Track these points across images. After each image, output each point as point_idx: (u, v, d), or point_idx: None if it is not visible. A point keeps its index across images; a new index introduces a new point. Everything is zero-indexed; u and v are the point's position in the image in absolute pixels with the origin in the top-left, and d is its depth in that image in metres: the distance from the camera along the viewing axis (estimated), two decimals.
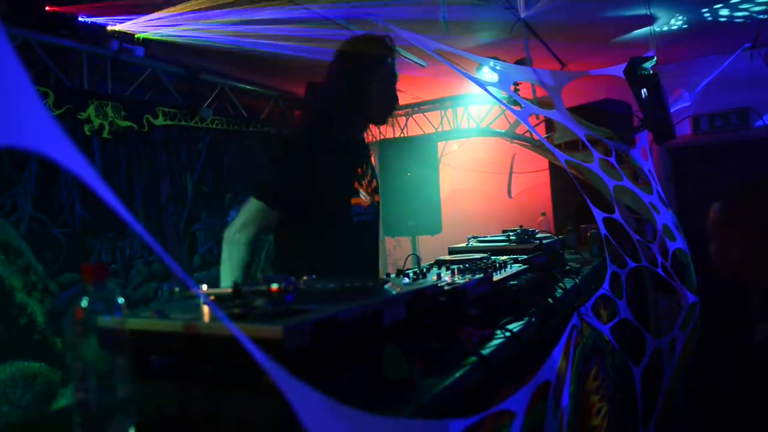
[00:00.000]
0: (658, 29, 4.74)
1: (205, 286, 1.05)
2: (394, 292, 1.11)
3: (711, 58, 5.32)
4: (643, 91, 2.82)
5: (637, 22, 4.57)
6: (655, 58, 2.81)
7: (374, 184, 2.34)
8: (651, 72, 2.82)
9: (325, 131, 2.16)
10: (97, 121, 3.78)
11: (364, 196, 2.22)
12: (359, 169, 2.25)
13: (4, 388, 3.14)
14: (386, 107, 2.24)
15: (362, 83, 2.13)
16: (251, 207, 2.05)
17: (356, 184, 2.20)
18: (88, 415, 0.81)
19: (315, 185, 2.06)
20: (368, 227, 2.26)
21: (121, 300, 0.84)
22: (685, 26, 4.73)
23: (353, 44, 2.25)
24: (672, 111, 3.26)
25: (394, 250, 7.09)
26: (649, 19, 4.46)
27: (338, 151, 2.16)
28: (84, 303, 0.81)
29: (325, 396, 0.69)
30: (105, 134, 3.83)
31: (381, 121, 2.32)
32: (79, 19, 3.64)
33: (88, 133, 3.73)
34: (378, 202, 2.35)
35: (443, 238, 5.44)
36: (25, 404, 3.19)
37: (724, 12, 4.44)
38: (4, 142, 0.50)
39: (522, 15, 2.73)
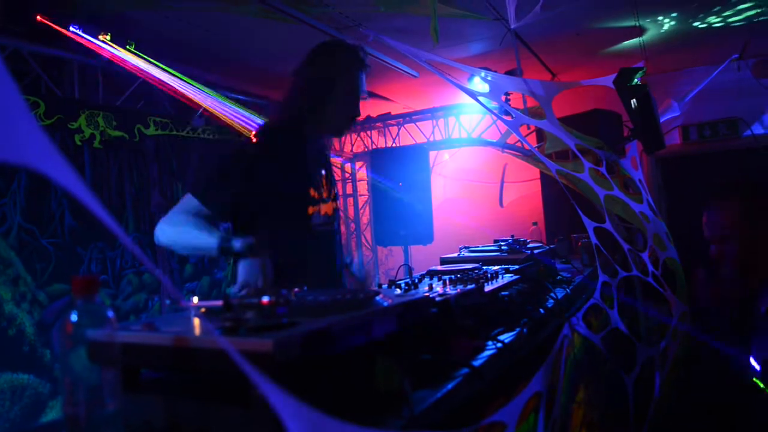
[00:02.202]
0: (647, 40, 4.79)
1: (195, 299, 1.05)
2: (385, 304, 1.10)
3: (699, 69, 5.38)
4: (633, 101, 2.83)
5: (627, 34, 4.62)
6: (645, 69, 2.83)
7: (333, 192, 2.23)
8: (640, 82, 2.85)
9: (278, 138, 2.07)
10: (88, 131, 3.76)
11: (322, 205, 2.10)
12: (316, 178, 2.12)
13: None
14: (342, 121, 2.11)
15: (319, 94, 2.03)
16: (188, 201, 1.90)
17: (313, 192, 2.08)
18: (77, 430, 0.80)
19: (265, 193, 1.96)
20: (328, 236, 2.15)
21: (110, 313, 0.83)
22: (673, 37, 4.78)
23: (318, 52, 2.10)
24: (661, 121, 3.28)
25: (386, 260, 7.10)
26: (639, 31, 4.51)
27: (290, 160, 2.04)
28: (73, 317, 0.80)
29: (315, 409, 0.69)
30: (96, 144, 3.82)
31: (336, 133, 2.22)
32: (71, 29, 3.64)
33: (78, 142, 3.71)
34: (337, 210, 2.23)
35: (435, 247, 5.45)
36: (13, 417, 3.16)
37: (713, 20, 4.49)
38: None
39: (512, 26, 2.75)
